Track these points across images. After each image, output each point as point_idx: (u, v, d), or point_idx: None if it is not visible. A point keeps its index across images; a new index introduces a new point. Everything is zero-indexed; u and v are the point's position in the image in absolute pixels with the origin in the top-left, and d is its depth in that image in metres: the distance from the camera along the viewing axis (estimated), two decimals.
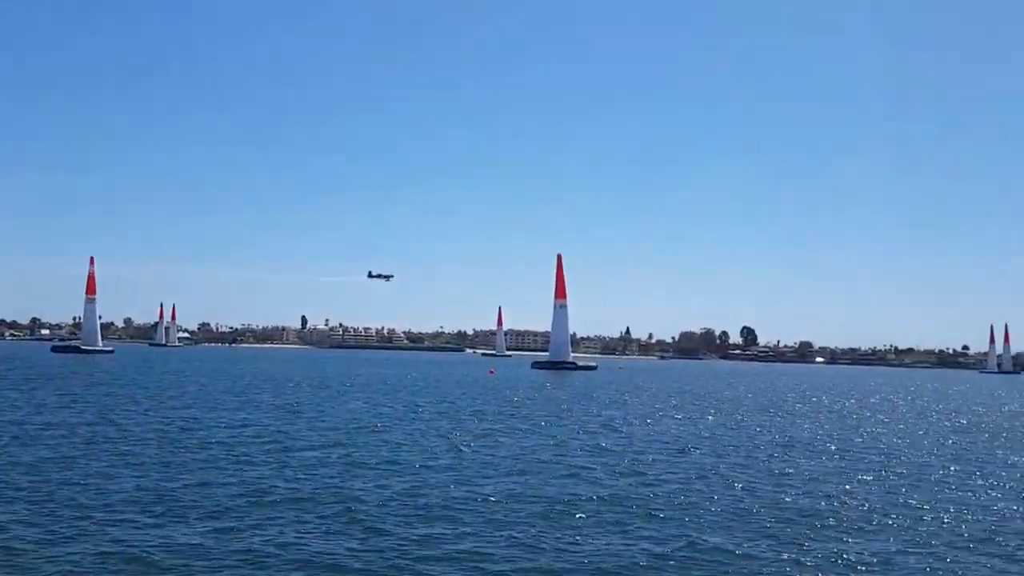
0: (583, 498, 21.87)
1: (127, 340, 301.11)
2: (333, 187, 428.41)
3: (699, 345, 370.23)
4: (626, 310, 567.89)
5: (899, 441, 39.27)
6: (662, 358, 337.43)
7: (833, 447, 35.50)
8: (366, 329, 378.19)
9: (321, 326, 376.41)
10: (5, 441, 29.15)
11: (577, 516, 19.77)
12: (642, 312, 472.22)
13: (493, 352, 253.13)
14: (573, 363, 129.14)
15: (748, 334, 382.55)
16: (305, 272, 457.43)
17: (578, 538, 17.73)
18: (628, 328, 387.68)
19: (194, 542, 16.57)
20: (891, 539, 18.41)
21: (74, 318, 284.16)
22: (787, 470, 28.05)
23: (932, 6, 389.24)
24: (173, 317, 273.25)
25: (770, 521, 19.76)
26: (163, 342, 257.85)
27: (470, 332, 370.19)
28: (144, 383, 66.16)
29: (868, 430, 44.79)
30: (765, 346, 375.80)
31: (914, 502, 22.80)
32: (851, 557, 16.77)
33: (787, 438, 38.71)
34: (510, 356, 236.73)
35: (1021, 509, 22.38)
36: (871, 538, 18.44)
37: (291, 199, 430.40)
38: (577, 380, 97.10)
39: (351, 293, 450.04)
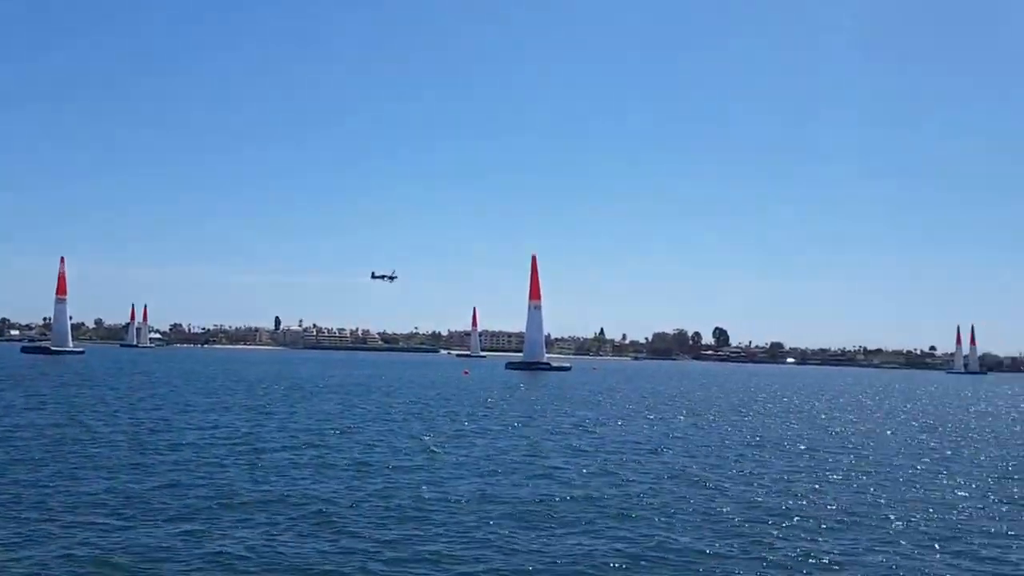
0: (556, 499, 21.95)
1: (98, 341, 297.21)
2: (306, 188, 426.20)
3: (672, 346, 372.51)
4: (600, 311, 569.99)
5: (867, 441, 39.79)
6: (636, 359, 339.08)
7: (803, 447, 35.90)
8: (340, 330, 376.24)
9: (295, 327, 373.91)
10: None
11: (550, 517, 19.84)
12: (616, 313, 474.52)
13: (468, 353, 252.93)
14: (547, 364, 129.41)
15: (720, 335, 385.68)
16: (278, 273, 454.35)
17: (551, 539, 17.81)
18: (602, 329, 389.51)
19: (163, 545, 16.43)
20: (859, 538, 18.66)
21: (44, 319, 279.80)
22: (757, 470, 28.34)
23: (911, 18, 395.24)
24: (144, 318, 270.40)
25: (741, 521, 19.95)
26: (134, 343, 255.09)
27: (445, 333, 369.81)
28: (114, 384, 65.38)
29: (837, 430, 45.34)
30: (737, 347, 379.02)
31: (882, 501, 23.12)
32: (820, 556, 16.98)
33: (757, 438, 39.09)
34: (485, 357, 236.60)
35: (987, 508, 22.79)
36: (840, 537, 18.67)
37: (263, 200, 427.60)
38: (551, 381, 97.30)
39: (325, 294, 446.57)
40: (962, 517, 21.34)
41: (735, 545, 17.66)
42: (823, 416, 56.61)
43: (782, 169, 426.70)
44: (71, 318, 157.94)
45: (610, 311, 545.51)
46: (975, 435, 45.35)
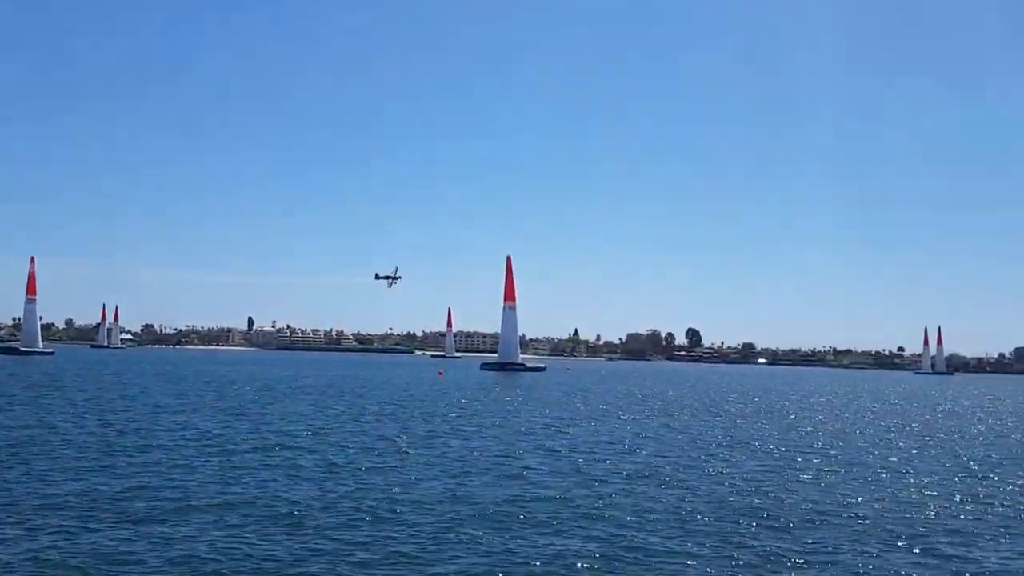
0: (528, 499, 22.03)
1: (68, 342, 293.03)
2: (278, 189, 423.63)
3: (646, 346, 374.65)
4: (575, 311, 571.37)
5: (836, 440, 40.27)
6: (610, 359, 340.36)
7: (772, 446, 36.30)
8: (314, 331, 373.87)
9: (268, 328, 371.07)
10: None
11: (522, 517, 19.91)
12: (590, 314, 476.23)
13: (443, 354, 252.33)
14: (522, 364, 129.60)
15: (693, 336, 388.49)
16: (251, 274, 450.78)
17: (523, 539, 17.87)
18: (576, 330, 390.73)
19: (131, 547, 16.27)
20: (827, 536, 18.88)
21: (13, 319, 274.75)
22: (728, 470, 28.59)
23: (887, 31, 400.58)
24: (116, 318, 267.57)
25: (711, 520, 20.14)
26: (105, 344, 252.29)
27: (419, 334, 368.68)
28: (83, 385, 64.54)
29: (807, 430, 45.86)
30: (709, 347, 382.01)
31: (850, 500, 23.42)
32: (789, 554, 17.16)
33: (728, 438, 39.46)
34: (460, 358, 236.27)
35: (952, 507, 23.16)
36: (808, 536, 18.88)
37: (235, 201, 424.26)
38: (525, 381, 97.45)
39: (298, 294, 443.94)
40: (929, 516, 21.67)
41: (706, 544, 17.83)
42: (793, 416, 57.23)
43: (754, 171, 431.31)
44: (41, 318, 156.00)
45: (585, 312, 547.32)
46: (942, 435, 46.09)
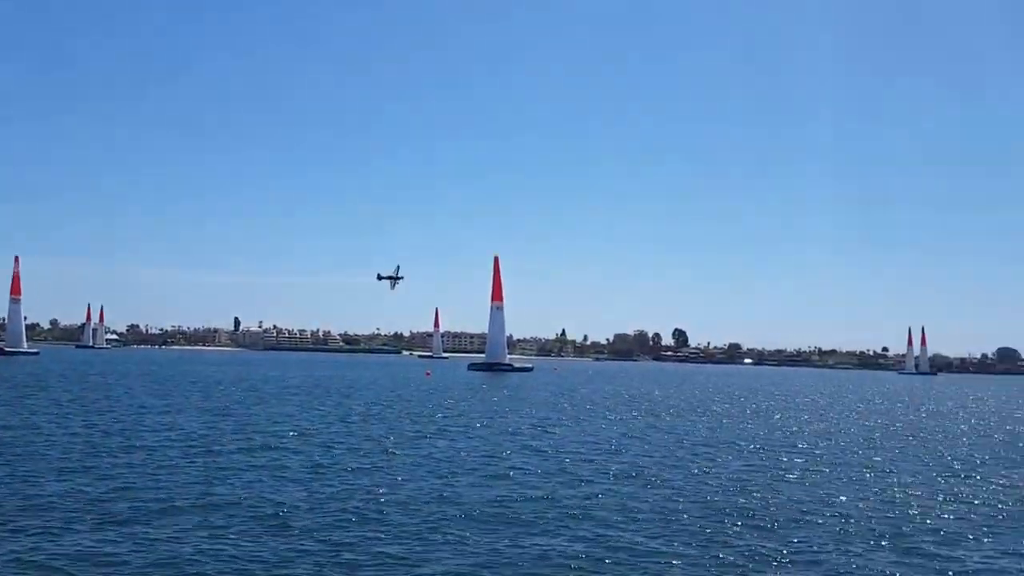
0: (515, 499, 22.05)
1: (53, 342, 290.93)
2: (270, 188, 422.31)
3: (633, 347, 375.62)
4: (562, 312, 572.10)
5: (821, 440, 40.50)
6: (597, 359, 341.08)
7: (758, 446, 36.47)
8: (301, 331, 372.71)
9: (254, 328, 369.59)
10: None
11: (509, 517, 19.92)
12: (578, 314, 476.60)
13: (430, 354, 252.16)
14: (509, 365, 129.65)
15: (679, 336, 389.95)
16: (238, 274, 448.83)
17: (509, 539, 17.88)
18: (564, 330, 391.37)
19: (116, 549, 16.19)
20: (812, 536, 18.96)
21: None
22: (714, 470, 28.71)
23: (886, 31, 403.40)
24: (101, 319, 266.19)
25: (697, 520, 20.21)
26: (90, 344, 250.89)
27: (407, 334, 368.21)
28: (68, 386, 64.10)
29: (792, 429, 46.10)
30: (696, 347, 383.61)
31: (835, 500, 23.54)
32: (774, 554, 17.24)
33: (714, 438, 39.62)
34: (447, 358, 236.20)
35: (935, 507, 23.29)
36: (793, 535, 18.95)
37: (222, 201, 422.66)
38: (513, 382, 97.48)
39: (286, 295, 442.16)
40: (912, 515, 21.81)
41: (691, 544, 17.89)
42: (778, 416, 57.53)
43: (751, 173, 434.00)
44: (25, 319, 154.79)
45: (572, 312, 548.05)
46: (925, 435, 46.44)
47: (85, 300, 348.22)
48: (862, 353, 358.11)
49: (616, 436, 39.01)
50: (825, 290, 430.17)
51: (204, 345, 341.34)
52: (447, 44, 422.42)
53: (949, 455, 35.97)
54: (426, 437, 35.91)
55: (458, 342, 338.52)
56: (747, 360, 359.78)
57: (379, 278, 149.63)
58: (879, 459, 33.50)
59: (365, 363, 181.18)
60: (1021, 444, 42.61)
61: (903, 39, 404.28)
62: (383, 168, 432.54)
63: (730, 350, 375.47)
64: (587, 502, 22.03)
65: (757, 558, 16.97)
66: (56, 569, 14.99)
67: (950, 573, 16.54)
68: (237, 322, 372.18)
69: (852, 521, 20.71)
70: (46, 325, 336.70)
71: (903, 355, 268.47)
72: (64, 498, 20.46)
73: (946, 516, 21.85)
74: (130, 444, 30.39)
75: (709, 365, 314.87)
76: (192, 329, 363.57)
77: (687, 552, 17.26)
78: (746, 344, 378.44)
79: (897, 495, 24.85)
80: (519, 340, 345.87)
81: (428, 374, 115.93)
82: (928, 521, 21.13)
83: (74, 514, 18.86)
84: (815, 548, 17.94)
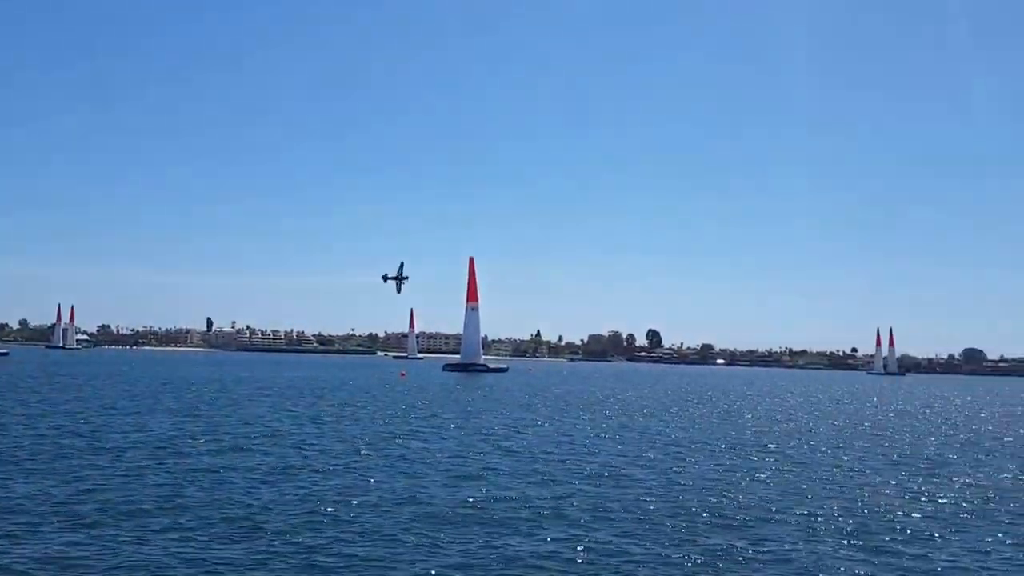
0: (488, 500, 22.06)
1: (22, 342, 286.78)
2: (235, 188, 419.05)
3: (607, 347, 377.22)
4: (537, 313, 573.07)
5: (792, 440, 40.91)
6: (571, 360, 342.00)
7: (728, 446, 36.77)
8: (274, 332, 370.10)
9: (227, 329, 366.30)
10: None
11: (482, 518, 19.92)
12: (552, 315, 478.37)
13: (405, 355, 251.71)
14: (484, 365, 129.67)
15: (653, 337, 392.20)
16: (210, 274, 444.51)
17: (482, 540, 17.89)
18: (539, 331, 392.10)
19: (83, 552, 15.97)
20: (783, 535, 19.11)
21: None
22: (687, 469, 28.91)
23: (860, 44, 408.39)
24: (71, 319, 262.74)
25: (668, 519, 20.30)
26: (60, 344, 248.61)
27: (381, 335, 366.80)
28: (37, 387, 63.16)
29: (763, 429, 46.56)
30: (669, 348, 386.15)
31: (806, 499, 23.73)
32: (744, 553, 17.37)
33: (686, 438, 39.89)
34: (422, 359, 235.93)
35: (903, 505, 23.56)
36: (764, 534, 19.10)
37: (193, 200, 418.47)
38: (487, 382, 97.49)
39: (259, 294, 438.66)
40: (881, 514, 22.06)
41: (662, 543, 17.99)
42: (749, 416, 58.08)
43: (716, 177, 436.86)
44: None
45: (547, 313, 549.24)
46: (893, 434, 47.11)
47: (55, 300, 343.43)
48: (832, 354, 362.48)
49: (589, 436, 39.17)
50: (796, 292, 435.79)
51: (176, 346, 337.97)
52: (420, 46, 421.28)
53: (916, 454, 36.52)
54: (399, 438, 35.84)
55: (433, 343, 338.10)
56: (719, 361, 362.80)
57: (385, 279, 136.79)
58: (847, 458, 33.92)
59: (339, 364, 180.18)
60: (986, 443, 43.39)
61: (876, 48, 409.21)
62: (357, 169, 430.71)
63: (703, 351, 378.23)
64: (560, 502, 22.11)
65: (728, 557, 17.12)
66: (22, 573, 14.78)
67: (917, 571, 16.76)
68: (209, 323, 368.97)
69: (821, 520, 20.95)
70: (15, 325, 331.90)
71: (872, 356, 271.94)
72: (31, 500, 20.17)
73: (913, 514, 22.16)
74: (99, 446, 30.03)
75: (682, 366, 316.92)
76: (164, 330, 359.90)
77: (658, 551, 17.39)
78: (718, 345, 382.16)
79: (865, 494, 25.18)
80: (494, 341, 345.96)
81: (403, 375, 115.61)
82: (896, 519, 21.41)
83: (40, 517, 18.60)
84: (785, 547, 18.11)
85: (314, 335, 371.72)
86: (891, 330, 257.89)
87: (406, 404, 57.10)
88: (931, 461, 34.10)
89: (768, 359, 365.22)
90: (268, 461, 27.68)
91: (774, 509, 22.09)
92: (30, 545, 16.41)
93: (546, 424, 45.04)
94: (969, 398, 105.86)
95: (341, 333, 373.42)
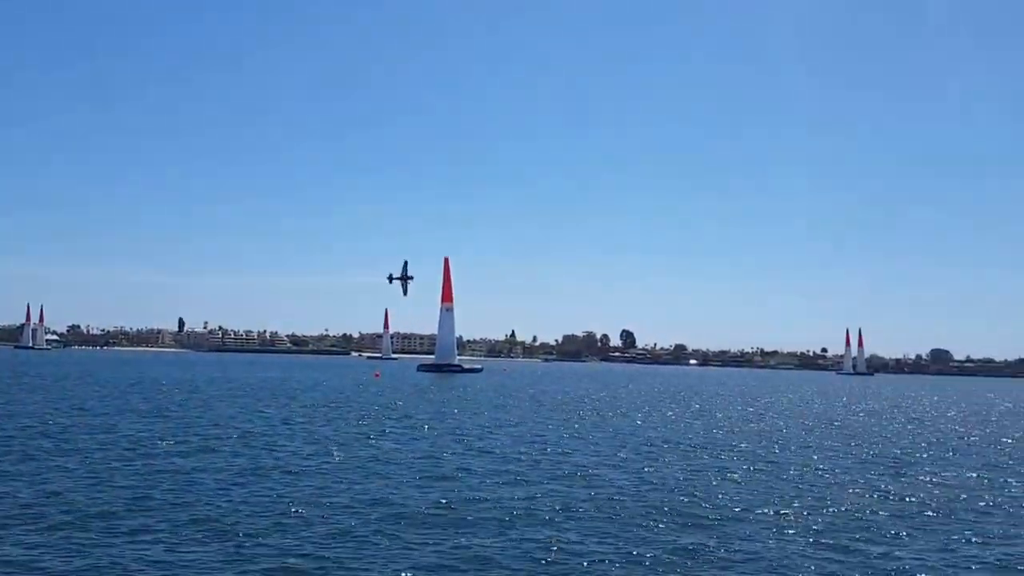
0: (460, 500, 22.03)
1: None
2: (236, 188, 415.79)
3: (581, 347, 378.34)
4: (512, 313, 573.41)
5: (762, 440, 41.28)
6: (546, 360, 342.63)
7: (699, 446, 37.01)
8: (247, 332, 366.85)
9: (199, 329, 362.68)
10: None
11: (455, 519, 19.92)
12: (527, 316, 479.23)
13: (379, 355, 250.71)
14: (459, 366, 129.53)
15: (627, 337, 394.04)
16: (182, 274, 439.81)
17: (453, 541, 17.87)
18: (513, 331, 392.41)
19: (48, 555, 15.77)
20: (753, 534, 19.28)
21: None
22: (660, 469, 29.03)
23: (854, 45, 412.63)
24: (41, 319, 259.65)
25: (639, 519, 20.41)
26: (30, 345, 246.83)
27: (356, 335, 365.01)
28: (5, 387, 62.16)
29: (735, 429, 46.93)
30: (643, 349, 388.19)
31: (775, 499, 23.96)
32: (714, 552, 17.51)
33: (659, 438, 40.09)
34: (396, 359, 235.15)
35: (871, 504, 23.86)
36: (734, 533, 19.28)
37: (165, 200, 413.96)
38: (461, 382, 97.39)
39: (232, 295, 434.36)
40: (849, 513, 22.30)
41: (634, 543, 18.08)
42: (720, 415, 58.55)
43: (688, 180, 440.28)
44: None
45: (521, 314, 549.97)
46: (862, 433, 47.65)
47: (24, 300, 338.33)
48: (802, 354, 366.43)
49: (562, 436, 39.27)
50: (767, 293, 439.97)
51: (147, 346, 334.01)
52: (420, 46, 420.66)
53: (884, 453, 37.00)
54: (371, 438, 35.72)
55: (408, 343, 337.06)
56: (692, 361, 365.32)
57: (391, 280, 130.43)
58: (817, 458, 34.30)
59: (313, 364, 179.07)
60: (952, 443, 44.10)
61: (874, 48, 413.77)
62: (357, 169, 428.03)
63: (676, 351, 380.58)
64: (532, 502, 22.16)
65: (698, 556, 17.25)
66: None
67: (885, 569, 16.96)
68: (181, 323, 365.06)
69: (790, 519, 21.19)
70: None
71: (841, 356, 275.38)
72: None
73: (881, 513, 22.46)
74: (67, 447, 29.64)
75: (655, 366, 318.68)
76: (135, 330, 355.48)
77: (630, 551, 17.49)
78: (691, 345, 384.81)
79: (834, 493, 25.48)
80: (469, 341, 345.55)
81: (377, 375, 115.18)
82: (864, 518, 21.68)
83: (7, 519, 18.33)
84: (755, 546, 18.28)
85: (287, 336, 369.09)
86: (860, 331, 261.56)
87: (379, 405, 56.89)
88: (899, 460, 34.58)
89: (740, 359, 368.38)
90: (239, 462, 27.47)
91: (744, 508, 22.30)
92: None
93: (519, 424, 45.09)
94: (936, 398, 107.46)
95: (315, 333, 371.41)
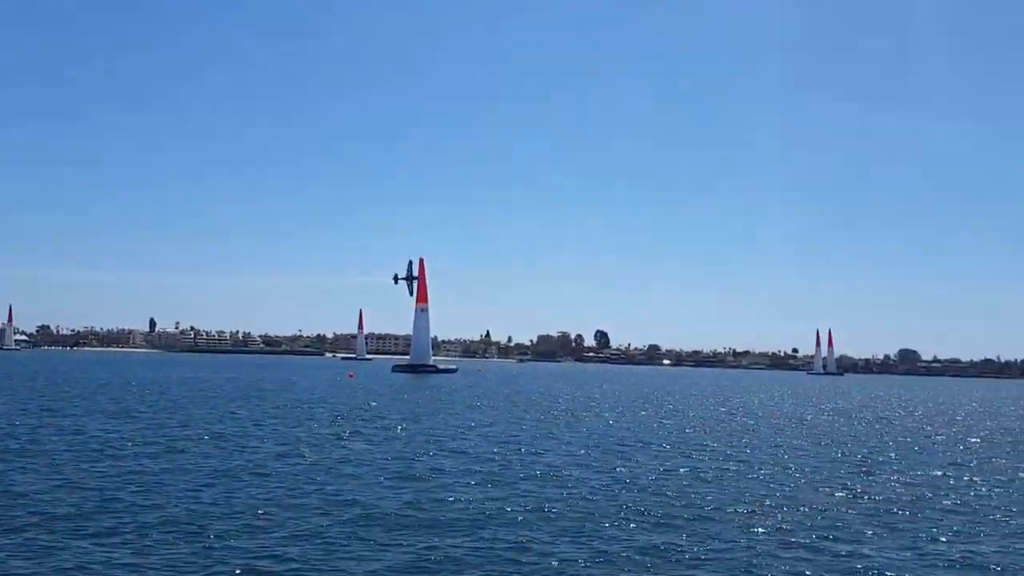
0: (433, 501, 21.98)
1: None
2: (178, 186, 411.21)
3: (556, 348, 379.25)
4: (487, 313, 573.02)
5: (733, 439, 41.59)
6: (520, 360, 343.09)
7: (672, 446, 37.25)
8: (220, 332, 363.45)
9: (171, 329, 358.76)
10: None
11: (427, 520, 19.86)
12: (502, 316, 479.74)
13: (354, 356, 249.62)
14: (433, 366, 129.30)
15: (601, 337, 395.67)
16: (154, 274, 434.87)
17: (427, 542, 17.84)
18: (488, 331, 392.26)
19: (13, 560, 15.55)
20: (722, 533, 19.44)
21: None
22: (634, 470, 29.13)
23: (830, 56, 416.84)
24: (9, 319, 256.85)
25: (611, 519, 20.48)
26: None
27: (330, 336, 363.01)
28: None
29: (705, 429, 47.26)
30: (617, 349, 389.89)
31: (745, 498, 24.13)
32: (684, 552, 17.63)
33: (631, 438, 40.26)
34: (371, 359, 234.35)
35: (839, 504, 24.12)
36: (703, 534, 19.43)
37: (136, 199, 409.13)
38: (436, 383, 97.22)
39: (205, 295, 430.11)
40: (818, 512, 22.54)
41: (606, 542, 18.13)
42: (693, 414, 58.95)
43: (661, 184, 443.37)
44: None
45: (496, 314, 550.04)
46: (832, 432, 48.18)
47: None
48: (774, 354, 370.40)
49: (536, 437, 39.33)
50: (739, 294, 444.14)
51: (118, 347, 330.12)
52: (420, 47, 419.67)
53: (853, 452, 37.45)
54: (344, 439, 35.56)
55: (383, 344, 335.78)
56: (666, 361, 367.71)
57: (396, 280, 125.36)
58: (787, 457, 34.64)
59: (286, 365, 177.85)
60: (920, 441, 44.73)
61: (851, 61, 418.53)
62: (304, 168, 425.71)
63: (650, 351, 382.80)
64: (505, 503, 22.17)
65: (669, 555, 17.33)
66: None
67: (853, 567, 17.13)
68: (153, 323, 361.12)
69: (761, 517, 21.37)
70: None
71: (812, 356, 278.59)
72: None
73: (849, 512, 22.70)
74: (34, 448, 29.22)
75: (629, 366, 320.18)
76: (105, 330, 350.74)
77: (603, 549, 17.56)
78: (665, 346, 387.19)
79: (803, 492, 25.75)
80: (444, 341, 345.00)
81: (351, 376, 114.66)
82: (833, 516, 21.90)
83: None
84: (726, 544, 18.42)
85: (260, 336, 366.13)
86: (829, 331, 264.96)
87: (353, 405, 56.64)
88: (867, 459, 35.01)
89: (713, 360, 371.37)
90: (209, 464, 27.22)
91: (715, 507, 22.48)
92: None
93: (493, 425, 45.10)
94: (905, 398, 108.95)
95: (288, 334, 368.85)
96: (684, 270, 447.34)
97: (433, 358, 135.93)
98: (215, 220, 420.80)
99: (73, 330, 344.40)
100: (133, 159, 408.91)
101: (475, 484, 25.00)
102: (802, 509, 22.81)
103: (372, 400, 62.56)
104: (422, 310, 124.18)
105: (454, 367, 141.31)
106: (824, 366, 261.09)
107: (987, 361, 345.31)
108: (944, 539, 19.79)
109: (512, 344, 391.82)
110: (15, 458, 27.03)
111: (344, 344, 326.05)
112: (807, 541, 19.05)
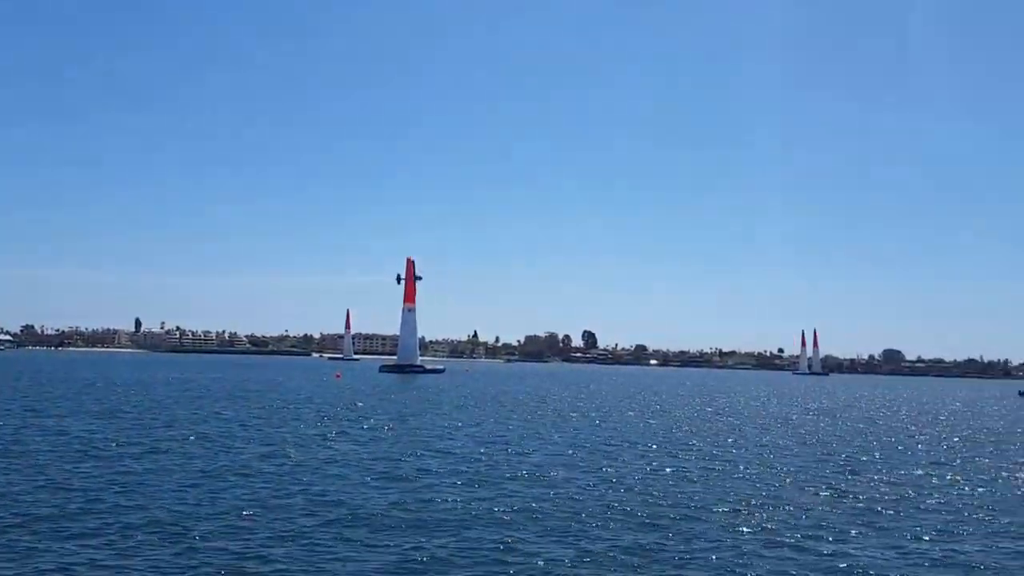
0: (420, 502, 21.96)
1: None
2: (178, 186, 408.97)
3: (543, 348, 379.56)
4: (474, 314, 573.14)
5: (719, 439, 41.77)
6: (508, 361, 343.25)
7: (658, 446, 37.35)
8: (206, 332, 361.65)
9: (156, 329, 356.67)
10: None
11: (413, 520, 19.83)
12: (490, 316, 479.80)
13: (341, 356, 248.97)
14: (421, 366, 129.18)
15: (589, 338, 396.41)
16: (139, 273, 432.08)
17: (413, 543, 17.84)
18: (475, 331, 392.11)
19: None
20: (708, 534, 19.49)
21: None
22: (617, 469, 29.20)
23: (830, 56, 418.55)
24: None
25: (600, 519, 20.50)
26: None
27: (317, 336, 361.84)
28: None
29: (692, 429, 47.42)
30: (604, 349, 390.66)
31: (731, 498, 24.22)
32: (667, 553, 17.69)
33: (618, 438, 40.35)
34: (358, 360, 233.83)
35: (825, 504, 24.25)
36: (689, 534, 19.48)
37: (122, 198, 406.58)
38: (423, 383, 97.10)
39: (190, 295, 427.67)
40: (803, 511, 22.67)
41: (593, 542, 18.16)
42: (679, 414, 59.13)
43: (649, 184, 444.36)
44: None
45: (484, 314, 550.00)
46: (816, 432, 48.47)
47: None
48: (760, 354, 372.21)
49: (523, 437, 39.34)
50: (725, 294, 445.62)
51: (103, 347, 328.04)
52: (419, 47, 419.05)
53: (838, 452, 37.65)
54: (330, 439, 35.45)
55: (370, 344, 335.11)
56: (653, 361, 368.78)
57: (399, 280, 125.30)
58: (772, 456, 34.80)
59: (273, 365, 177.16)
60: (904, 441, 45.05)
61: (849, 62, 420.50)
62: (304, 168, 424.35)
63: (636, 351, 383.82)
64: (491, 503, 22.16)
65: (656, 555, 17.37)
66: None
67: (837, 567, 17.21)
68: (138, 323, 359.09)
69: (746, 517, 21.45)
70: None
71: (797, 356, 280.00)
72: None
73: (834, 511, 22.84)
74: (17, 449, 28.98)
75: (616, 366, 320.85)
76: (90, 330, 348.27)
77: (589, 549, 17.58)
78: (652, 346, 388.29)
79: (789, 492, 25.84)
80: (431, 342, 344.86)
81: (338, 376, 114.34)
82: (818, 516, 22.00)
83: None
84: (712, 544, 18.49)
85: (247, 336, 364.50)
86: (815, 331, 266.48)
87: (340, 405, 56.48)
88: (851, 459, 35.20)
89: (699, 360, 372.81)
90: (193, 464, 27.08)
91: (701, 507, 22.56)
92: None
93: (480, 425, 45.09)
94: (889, 398, 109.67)
95: (275, 334, 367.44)
96: (684, 270, 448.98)
97: (420, 358, 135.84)
98: (215, 220, 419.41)
99: (58, 330, 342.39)
100: (133, 159, 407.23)
101: (461, 484, 24.98)
102: (787, 508, 22.91)
103: (359, 400, 62.41)
104: (409, 310, 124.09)
105: (441, 367, 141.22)
106: (809, 366, 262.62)
107: (970, 361, 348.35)
108: (927, 538, 19.93)
109: (500, 344, 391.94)
110: None
111: (331, 344, 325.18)
112: (792, 540, 19.13)
